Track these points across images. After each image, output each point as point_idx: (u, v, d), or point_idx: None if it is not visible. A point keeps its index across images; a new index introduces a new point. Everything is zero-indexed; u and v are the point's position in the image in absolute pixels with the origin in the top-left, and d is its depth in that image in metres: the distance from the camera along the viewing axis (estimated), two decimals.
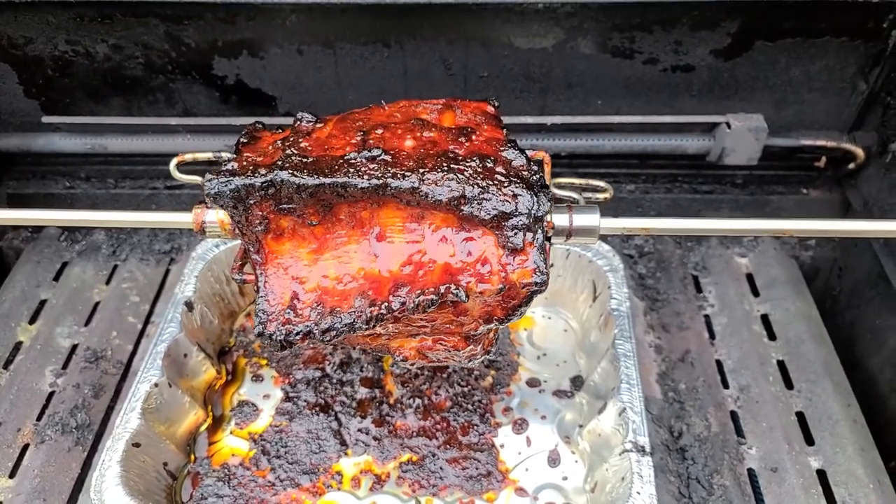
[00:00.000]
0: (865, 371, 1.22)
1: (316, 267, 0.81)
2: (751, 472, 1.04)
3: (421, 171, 0.75)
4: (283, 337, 0.79)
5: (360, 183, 0.74)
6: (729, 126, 1.24)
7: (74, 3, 1.16)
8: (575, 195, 0.86)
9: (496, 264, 0.76)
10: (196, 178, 0.86)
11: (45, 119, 1.32)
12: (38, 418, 1.11)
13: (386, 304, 0.77)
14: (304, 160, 0.77)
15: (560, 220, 0.85)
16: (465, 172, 0.75)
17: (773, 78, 1.25)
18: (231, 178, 0.77)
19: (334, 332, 0.79)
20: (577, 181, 0.86)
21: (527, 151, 0.82)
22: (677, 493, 1.01)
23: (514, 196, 0.75)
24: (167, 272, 1.35)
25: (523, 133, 1.29)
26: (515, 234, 0.75)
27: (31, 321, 1.27)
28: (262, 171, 0.76)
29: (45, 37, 1.22)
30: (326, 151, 0.79)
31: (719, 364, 1.18)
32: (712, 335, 1.23)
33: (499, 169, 0.76)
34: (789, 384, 1.15)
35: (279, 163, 0.77)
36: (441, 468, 1.04)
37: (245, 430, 1.09)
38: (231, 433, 1.09)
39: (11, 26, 1.21)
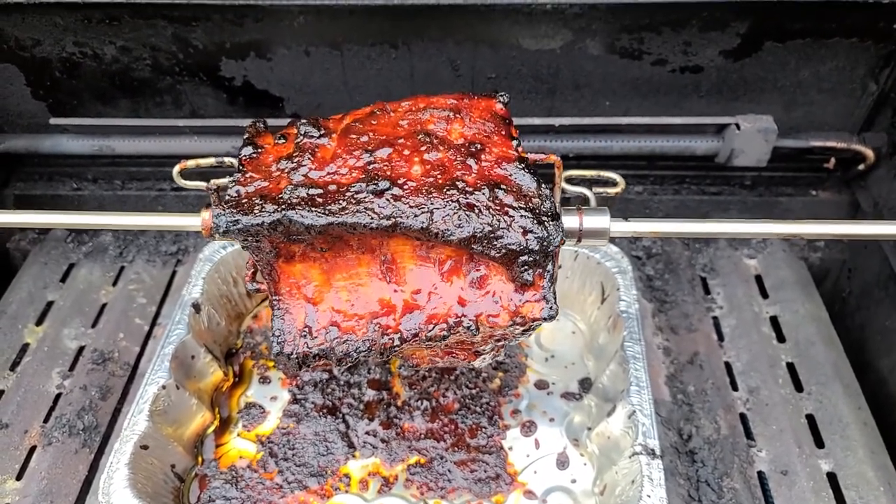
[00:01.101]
0: (876, 373, 1.22)
1: (328, 288, 0.82)
2: (761, 475, 1.04)
3: (431, 208, 0.74)
4: (299, 359, 0.80)
5: (370, 223, 0.74)
6: (738, 127, 1.24)
7: (82, 4, 1.16)
8: (586, 191, 0.85)
9: (506, 299, 0.77)
10: (200, 184, 0.86)
11: (53, 121, 1.32)
12: (45, 420, 1.11)
13: (399, 335, 0.79)
14: (311, 194, 0.75)
15: (570, 222, 0.85)
16: (476, 208, 0.74)
17: (783, 79, 1.24)
18: (239, 217, 0.75)
19: (350, 359, 0.80)
20: (588, 173, 0.85)
21: (537, 156, 0.82)
22: (687, 496, 1.01)
23: (525, 232, 0.74)
24: (174, 274, 1.35)
25: (531, 134, 1.29)
26: (526, 270, 0.75)
27: (38, 323, 1.27)
28: (270, 209, 0.74)
29: (52, 38, 1.23)
30: (333, 179, 0.77)
31: (728, 366, 1.18)
32: (721, 337, 1.23)
33: (508, 200, 0.75)
34: (799, 387, 1.15)
35: (286, 196, 0.75)
36: (449, 471, 1.03)
37: (252, 433, 1.09)
38: (238, 435, 1.08)
39: (19, 28, 1.21)
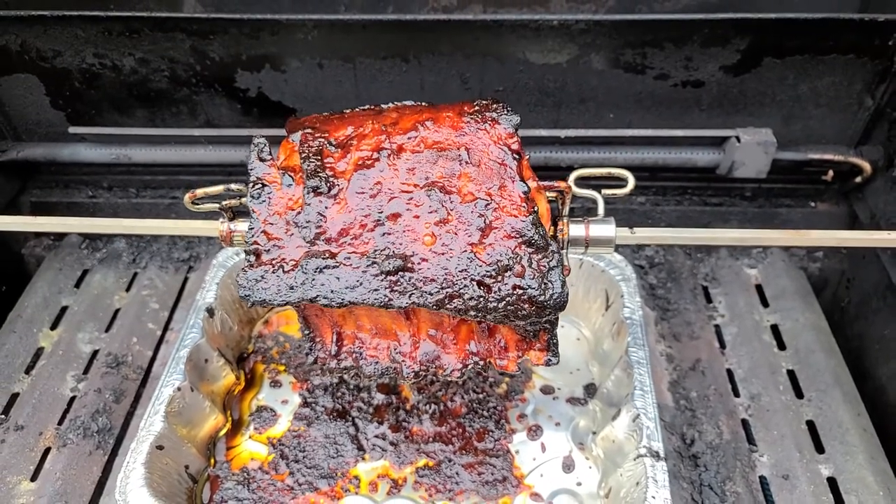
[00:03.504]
0: (874, 381, 1.24)
1: (351, 315, 0.88)
2: (762, 480, 1.05)
3: (444, 289, 0.77)
4: (333, 371, 0.89)
5: (387, 304, 0.78)
6: (739, 140, 1.27)
7: (104, 17, 1.20)
8: (595, 194, 0.88)
9: (513, 346, 0.86)
10: (213, 207, 0.89)
11: (72, 129, 1.35)
12: (60, 422, 1.13)
13: (414, 372, 0.87)
14: (330, 268, 0.78)
15: (577, 230, 0.87)
16: (487, 287, 0.77)
17: (782, 94, 1.28)
18: (264, 297, 0.80)
19: (375, 377, 0.89)
20: (598, 171, 0.87)
21: (548, 183, 0.83)
22: (690, 499, 1.02)
23: (532, 308, 0.78)
24: (185, 280, 1.37)
25: (538, 145, 1.32)
26: (531, 332, 0.82)
27: (53, 327, 1.30)
28: (293, 288, 0.79)
29: (73, 50, 1.26)
30: (347, 242, 0.79)
31: (730, 373, 1.20)
32: (723, 345, 1.25)
33: (517, 281, 0.77)
34: (799, 393, 1.17)
35: (305, 272, 0.78)
36: (457, 473, 1.05)
37: (264, 435, 1.11)
38: (250, 438, 1.10)
39: (41, 39, 1.25)
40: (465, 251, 0.77)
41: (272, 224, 0.81)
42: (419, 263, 0.77)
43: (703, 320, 1.28)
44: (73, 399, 1.17)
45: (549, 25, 1.19)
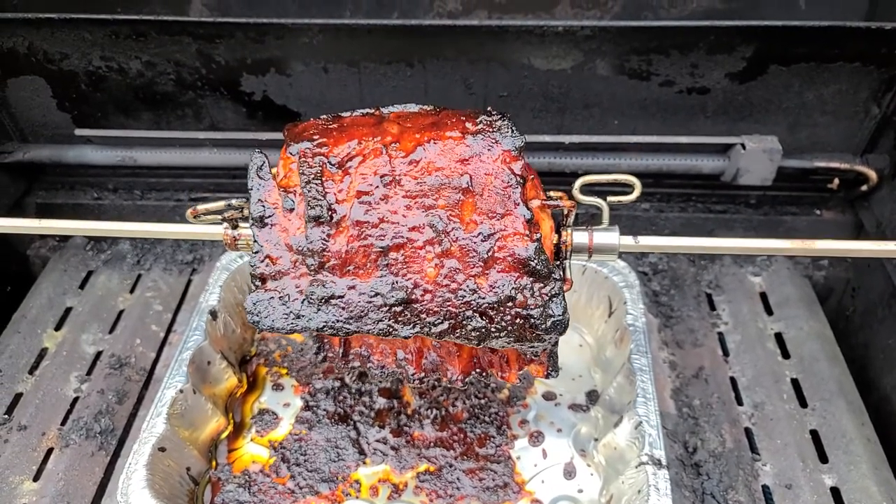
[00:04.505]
0: (879, 391, 1.23)
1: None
2: (765, 489, 1.05)
3: (448, 320, 0.79)
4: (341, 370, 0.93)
5: (394, 334, 0.80)
6: (744, 147, 1.27)
7: (111, 20, 1.21)
8: (601, 202, 0.88)
9: (515, 362, 0.89)
10: (216, 219, 0.89)
11: (78, 131, 1.36)
12: (63, 423, 1.13)
13: (419, 378, 0.90)
14: (336, 297, 0.79)
15: (580, 238, 0.87)
16: (490, 317, 0.78)
17: (787, 101, 1.28)
18: (272, 325, 0.81)
19: (382, 379, 0.93)
20: (604, 178, 0.86)
21: (552, 202, 0.83)
22: None
23: (534, 335, 0.79)
24: (189, 282, 1.38)
25: (542, 151, 1.32)
26: (533, 351, 0.85)
27: (57, 328, 1.30)
28: (299, 315, 0.81)
29: (80, 52, 1.27)
30: (351, 272, 0.79)
31: (733, 381, 1.20)
32: (726, 352, 1.24)
33: (519, 311, 0.78)
34: (803, 402, 1.16)
35: (311, 303, 0.80)
36: (458, 479, 1.05)
37: (265, 438, 1.11)
38: (251, 440, 1.11)
39: (48, 42, 1.26)
40: (468, 282, 0.78)
41: (276, 248, 0.82)
42: (422, 295, 0.78)
43: (706, 328, 1.28)
44: (76, 400, 1.17)
45: (554, 32, 1.19)
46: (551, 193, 0.89)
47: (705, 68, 1.24)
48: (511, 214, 0.77)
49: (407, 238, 0.78)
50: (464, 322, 0.78)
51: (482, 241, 0.77)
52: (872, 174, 1.31)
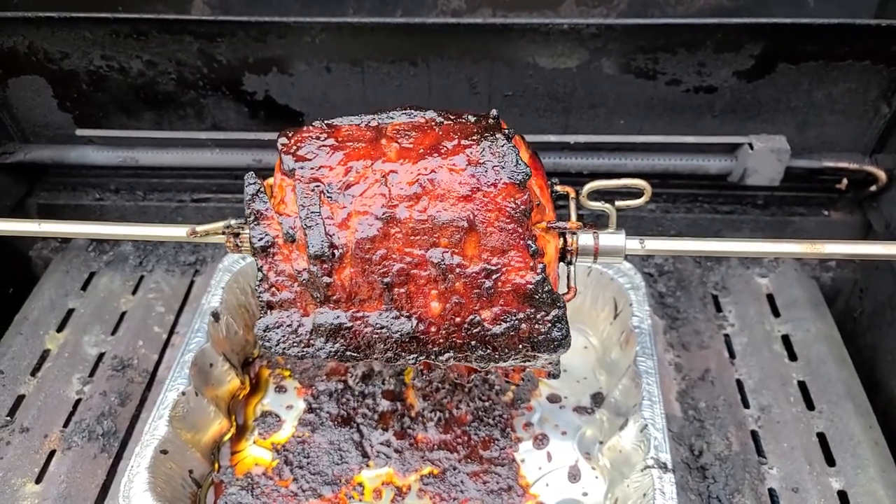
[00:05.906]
0: (887, 393, 1.22)
1: None
2: (772, 492, 1.04)
3: (454, 353, 0.81)
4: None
5: (402, 363, 0.83)
6: (751, 147, 1.25)
7: (112, 19, 1.20)
8: (608, 208, 0.86)
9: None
10: (219, 238, 0.89)
11: (80, 132, 1.35)
12: (65, 425, 1.13)
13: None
14: (344, 328, 0.80)
15: (586, 241, 0.86)
16: (494, 346, 0.80)
17: (796, 100, 1.26)
18: (282, 352, 0.83)
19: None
20: (612, 184, 0.84)
21: (560, 225, 0.82)
22: None
23: (536, 355, 0.82)
24: (191, 283, 1.37)
25: (547, 151, 1.31)
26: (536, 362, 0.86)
27: (59, 329, 1.30)
28: (310, 343, 0.82)
29: (80, 52, 1.26)
30: (356, 304, 0.80)
31: (739, 383, 1.19)
32: (732, 355, 1.23)
33: (522, 336, 0.79)
34: (810, 405, 1.15)
35: (320, 333, 0.81)
36: (462, 482, 1.04)
37: (268, 440, 1.10)
38: (254, 443, 1.10)
39: (48, 41, 1.25)
40: (472, 316, 0.79)
41: (279, 277, 0.81)
42: (428, 327, 0.80)
43: (712, 330, 1.26)
44: (78, 402, 1.17)
45: (560, 30, 1.17)
46: (557, 189, 0.89)
47: (712, 67, 1.22)
48: (514, 248, 0.77)
49: (410, 275, 0.78)
50: (468, 353, 0.81)
51: (485, 276, 0.77)
52: (882, 174, 1.30)
